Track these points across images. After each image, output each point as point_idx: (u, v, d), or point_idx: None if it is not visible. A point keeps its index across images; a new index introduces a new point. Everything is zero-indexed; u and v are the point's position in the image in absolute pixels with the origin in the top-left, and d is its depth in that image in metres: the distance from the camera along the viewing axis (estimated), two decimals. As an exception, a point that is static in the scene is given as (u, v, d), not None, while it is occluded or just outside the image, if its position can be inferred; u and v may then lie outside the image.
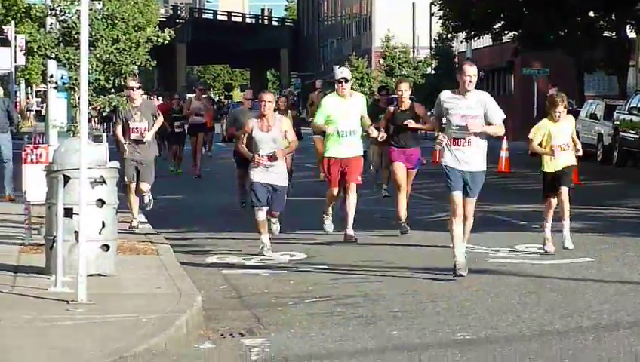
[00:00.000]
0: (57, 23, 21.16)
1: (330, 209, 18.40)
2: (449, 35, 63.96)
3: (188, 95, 56.62)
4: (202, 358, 10.58)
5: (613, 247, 17.75)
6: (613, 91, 54.67)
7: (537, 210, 19.28)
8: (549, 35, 49.18)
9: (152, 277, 14.48)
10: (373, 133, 18.36)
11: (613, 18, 48.26)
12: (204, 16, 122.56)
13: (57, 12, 20.30)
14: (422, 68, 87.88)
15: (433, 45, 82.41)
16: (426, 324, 11.70)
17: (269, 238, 16.73)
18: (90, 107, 19.04)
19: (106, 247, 14.04)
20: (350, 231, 17.97)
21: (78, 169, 12.77)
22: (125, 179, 18.94)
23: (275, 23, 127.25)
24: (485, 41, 58.35)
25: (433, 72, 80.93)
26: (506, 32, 52.42)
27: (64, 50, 20.20)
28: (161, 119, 20.39)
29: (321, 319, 12.12)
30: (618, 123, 39.67)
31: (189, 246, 18.85)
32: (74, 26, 20.54)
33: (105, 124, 56.01)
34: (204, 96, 43.28)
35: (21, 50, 68.20)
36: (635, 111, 38.43)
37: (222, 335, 11.56)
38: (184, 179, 35.53)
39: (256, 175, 16.41)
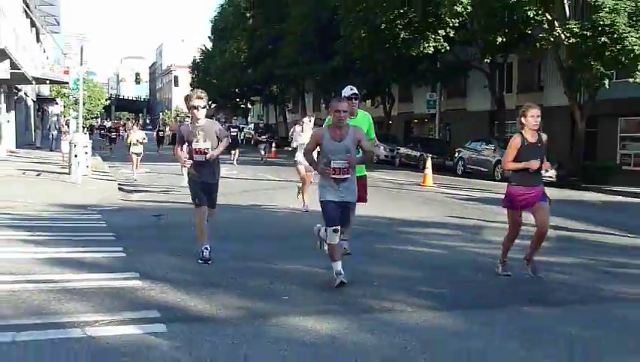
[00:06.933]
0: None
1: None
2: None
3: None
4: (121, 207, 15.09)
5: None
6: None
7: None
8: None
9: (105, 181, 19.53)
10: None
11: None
12: (120, 96, 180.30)
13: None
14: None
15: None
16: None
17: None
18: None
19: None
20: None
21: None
22: (195, 200, 10.12)
23: (142, 100, 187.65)
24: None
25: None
26: (228, 105, 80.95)
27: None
28: (226, 141, 10.20)
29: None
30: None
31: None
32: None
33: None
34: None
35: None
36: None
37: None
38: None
39: (328, 193, 8.70)
